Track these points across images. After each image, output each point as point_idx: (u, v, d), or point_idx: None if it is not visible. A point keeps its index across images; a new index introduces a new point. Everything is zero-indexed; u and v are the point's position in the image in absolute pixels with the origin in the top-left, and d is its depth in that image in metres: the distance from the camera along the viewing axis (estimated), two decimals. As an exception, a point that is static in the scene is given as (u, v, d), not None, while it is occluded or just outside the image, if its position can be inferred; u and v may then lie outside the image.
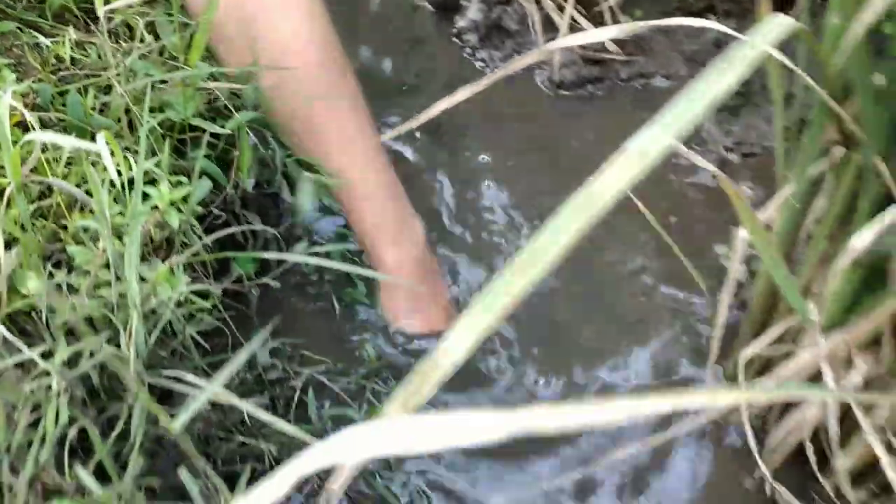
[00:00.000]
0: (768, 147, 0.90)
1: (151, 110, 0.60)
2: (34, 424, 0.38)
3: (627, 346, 0.73)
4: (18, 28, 0.64)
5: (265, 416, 0.37)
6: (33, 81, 0.60)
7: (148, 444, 0.42)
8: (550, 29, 1.00)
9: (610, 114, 0.92)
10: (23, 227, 0.47)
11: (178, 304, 0.49)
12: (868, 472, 0.60)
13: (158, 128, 0.61)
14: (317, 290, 0.74)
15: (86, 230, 0.48)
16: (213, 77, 0.62)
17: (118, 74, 0.60)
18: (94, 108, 0.60)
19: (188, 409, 0.28)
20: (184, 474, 0.36)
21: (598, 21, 1.00)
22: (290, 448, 0.56)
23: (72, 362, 0.41)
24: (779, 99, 0.52)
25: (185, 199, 0.55)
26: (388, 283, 0.69)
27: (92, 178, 0.44)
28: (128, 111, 0.60)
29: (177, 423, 0.28)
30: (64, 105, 0.58)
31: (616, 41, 1.00)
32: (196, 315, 0.53)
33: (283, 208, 0.73)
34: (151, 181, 0.54)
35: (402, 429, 0.29)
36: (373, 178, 0.66)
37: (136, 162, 0.51)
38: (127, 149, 0.57)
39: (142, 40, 0.65)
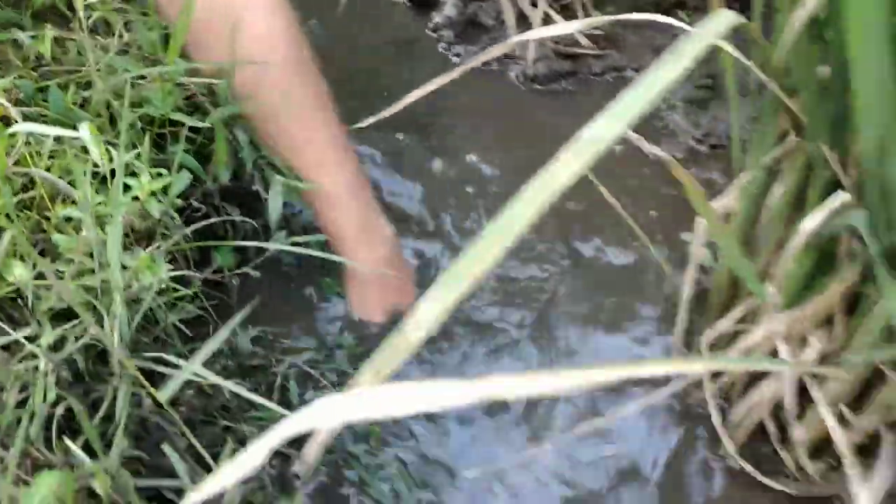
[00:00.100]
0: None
1: (132, 105, 0.61)
2: (23, 404, 0.39)
3: (602, 330, 0.76)
4: (-1, 25, 0.65)
5: (245, 394, 0.39)
6: (14, 78, 0.61)
7: (133, 427, 0.44)
8: (524, 24, 1.03)
9: (584, 107, 0.95)
10: (8, 217, 0.48)
11: (160, 293, 0.50)
12: (825, 446, 0.63)
13: (139, 122, 0.62)
14: (297, 280, 0.76)
15: (69, 220, 0.50)
16: (191, 73, 0.64)
17: (98, 70, 0.61)
18: (75, 104, 0.61)
19: (172, 383, 0.30)
20: (167, 448, 0.38)
21: (570, 16, 1.03)
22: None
23: (58, 346, 0.43)
24: (733, 90, 0.55)
25: (165, 190, 0.56)
26: (356, 282, 0.71)
27: (75, 168, 0.45)
28: (108, 106, 0.62)
29: (163, 395, 0.30)
30: (45, 101, 0.60)
31: (590, 36, 1.02)
32: (178, 304, 0.55)
33: (264, 200, 0.75)
34: (133, 174, 0.56)
35: (373, 397, 0.31)
36: (339, 178, 0.66)
37: (117, 154, 0.52)
38: (109, 143, 0.59)
39: (120, 36, 0.66)
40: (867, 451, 0.58)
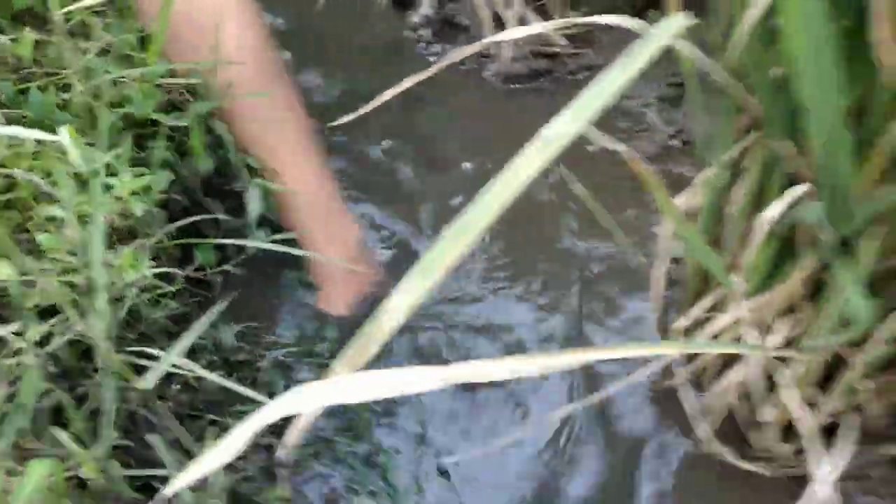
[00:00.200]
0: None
1: (113, 105, 0.62)
2: (12, 399, 0.41)
3: (582, 318, 0.79)
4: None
5: (227, 384, 0.40)
6: (-5, 80, 0.62)
7: (121, 422, 0.45)
8: (501, 24, 1.05)
9: (560, 105, 0.97)
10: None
11: (144, 290, 0.52)
12: (793, 429, 0.65)
13: (120, 122, 0.63)
14: (278, 276, 0.78)
15: (52, 219, 0.51)
16: (169, 73, 0.65)
17: (77, 72, 0.62)
18: (56, 105, 0.62)
19: (153, 371, 0.32)
20: (153, 438, 0.39)
21: (546, 16, 1.05)
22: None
23: (44, 343, 0.44)
24: (693, 90, 0.57)
25: (146, 188, 0.58)
26: (322, 277, 0.74)
27: (56, 169, 0.46)
28: (89, 108, 0.63)
29: (145, 383, 0.31)
30: (27, 102, 0.61)
31: (567, 35, 1.04)
32: (161, 301, 0.56)
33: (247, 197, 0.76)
34: (114, 174, 0.57)
35: (348, 383, 0.32)
36: (303, 176, 0.69)
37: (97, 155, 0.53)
38: (90, 143, 0.60)
39: (99, 39, 0.67)
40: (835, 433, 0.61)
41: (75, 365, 0.45)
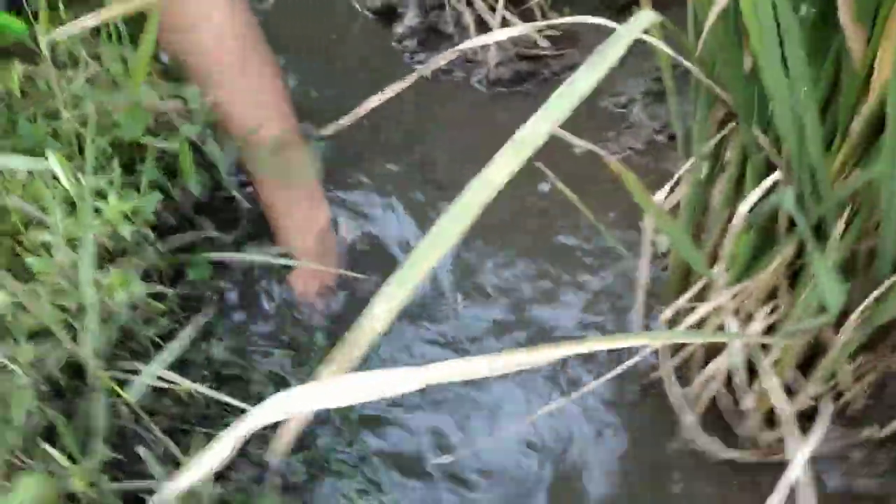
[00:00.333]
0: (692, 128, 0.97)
1: (103, 130, 0.63)
2: (5, 419, 0.41)
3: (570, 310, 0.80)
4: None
5: (217, 395, 0.41)
6: (-14, 111, 0.63)
7: (113, 438, 0.46)
8: (484, 29, 1.06)
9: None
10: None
11: (134, 308, 0.53)
12: (775, 415, 0.66)
13: (109, 148, 0.65)
14: (269, 289, 0.79)
15: (42, 244, 0.52)
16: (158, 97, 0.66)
17: (65, 101, 0.63)
18: (46, 133, 0.63)
19: (139, 383, 0.32)
20: (143, 451, 0.40)
21: (529, 19, 1.06)
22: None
23: (38, 364, 0.45)
24: (669, 85, 0.58)
25: (136, 210, 0.59)
26: (293, 256, 0.78)
27: (45, 195, 0.48)
28: (77, 135, 0.64)
29: (131, 395, 0.32)
30: (16, 133, 0.62)
31: (551, 38, 1.06)
32: (153, 318, 0.57)
33: (239, 212, 0.78)
34: (103, 197, 0.58)
35: (333, 387, 0.33)
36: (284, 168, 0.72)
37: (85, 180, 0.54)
38: (79, 168, 0.61)
39: (87, 67, 0.68)
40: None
41: (68, 382, 0.46)
